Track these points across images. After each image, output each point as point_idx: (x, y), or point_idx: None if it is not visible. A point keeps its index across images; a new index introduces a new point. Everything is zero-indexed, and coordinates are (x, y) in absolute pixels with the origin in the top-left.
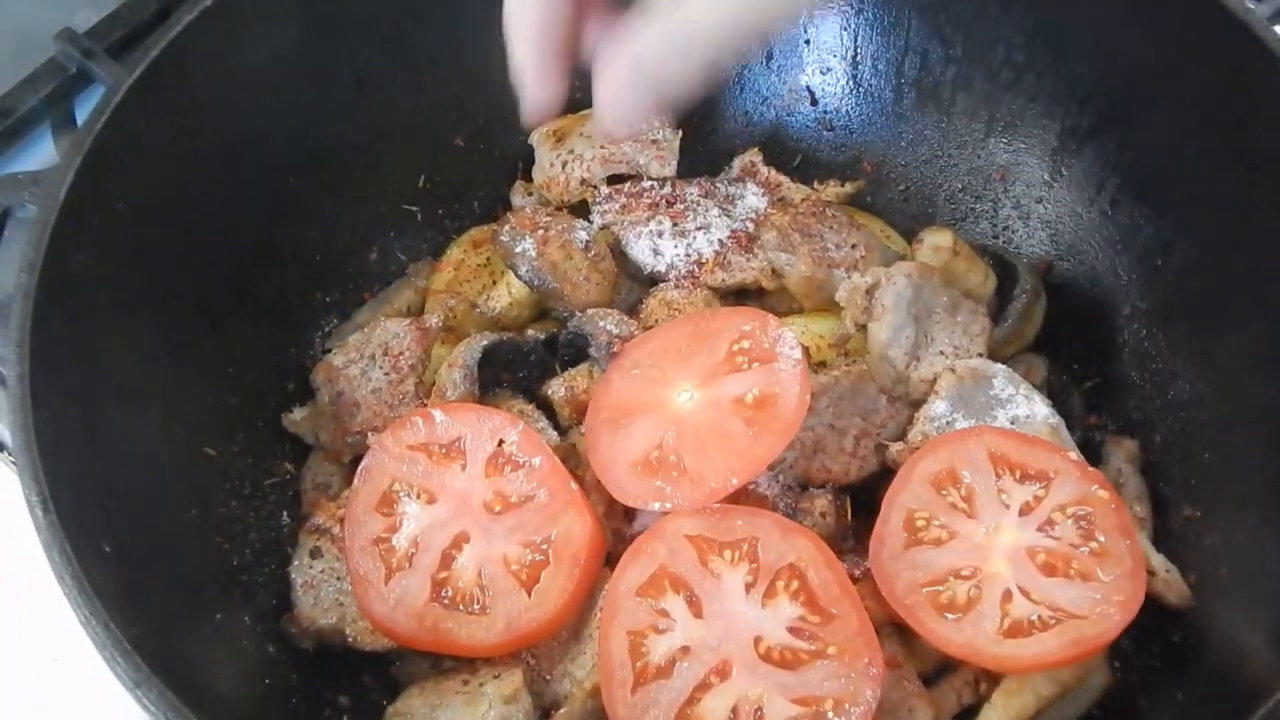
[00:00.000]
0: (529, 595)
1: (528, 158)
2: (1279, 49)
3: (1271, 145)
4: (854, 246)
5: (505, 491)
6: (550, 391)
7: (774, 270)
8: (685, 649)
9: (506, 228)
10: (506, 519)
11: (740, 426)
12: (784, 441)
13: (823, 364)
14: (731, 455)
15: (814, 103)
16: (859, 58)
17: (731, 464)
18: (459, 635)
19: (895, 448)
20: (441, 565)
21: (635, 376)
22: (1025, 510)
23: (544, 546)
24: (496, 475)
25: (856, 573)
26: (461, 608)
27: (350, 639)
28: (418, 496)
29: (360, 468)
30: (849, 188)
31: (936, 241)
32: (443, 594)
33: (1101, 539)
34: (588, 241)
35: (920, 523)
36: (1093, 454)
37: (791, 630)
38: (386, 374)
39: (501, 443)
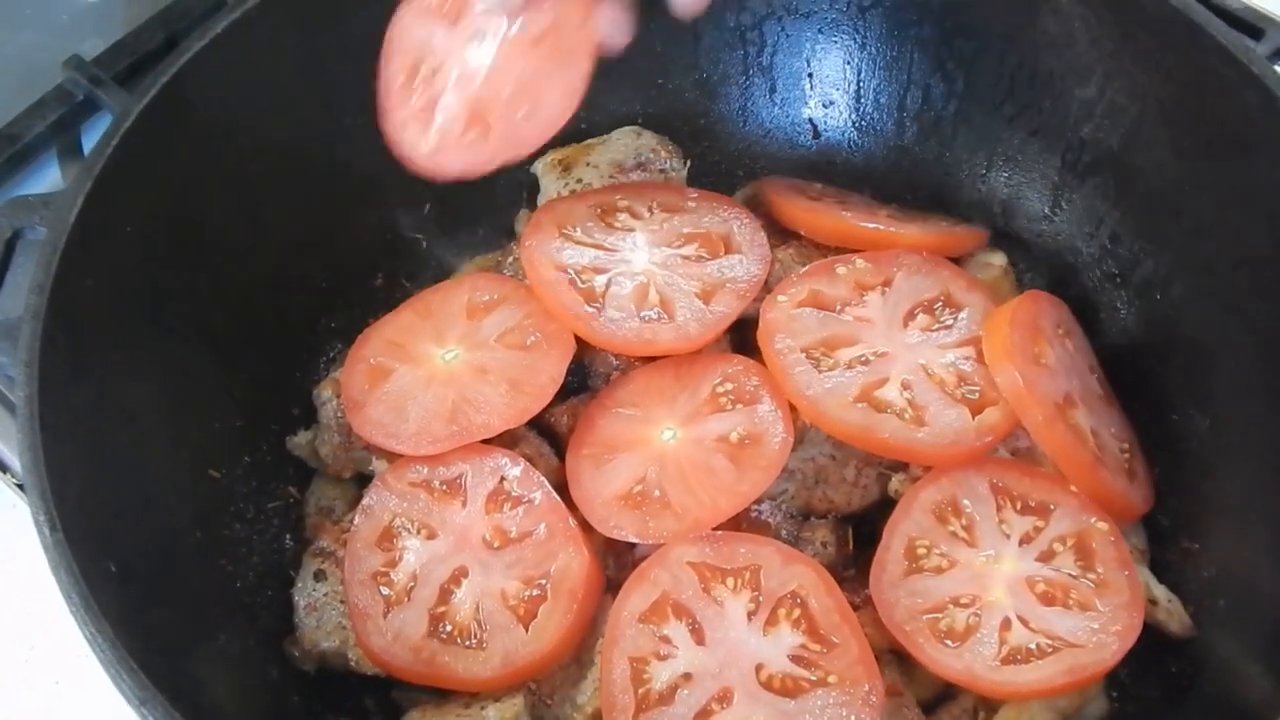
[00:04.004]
0: (526, 630)
1: (532, 186)
2: (1277, 88)
3: (1271, 182)
4: None
5: (505, 527)
6: (553, 419)
7: None
8: (687, 676)
9: (511, 258)
10: (505, 554)
11: (725, 463)
12: (769, 479)
13: None
14: (716, 491)
15: (817, 135)
16: (862, 92)
17: (716, 499)
18: (456, 669)
19: (897, 478)
20: (440, 600)
21: (617, 415)
22: (1025, 540)
23: (542, 582)
24: (496, 511)
25: (857, 600)
26: (459, 642)
27: (352, 662)
28: (418, 532)
29: (361, 505)
30: None
31: (990, 259)
32: (440, 628)
33: (1100, 570)
34: None
35: (921, 551)
36: None
37: (793, 658)
38: None
39: (502, 480)
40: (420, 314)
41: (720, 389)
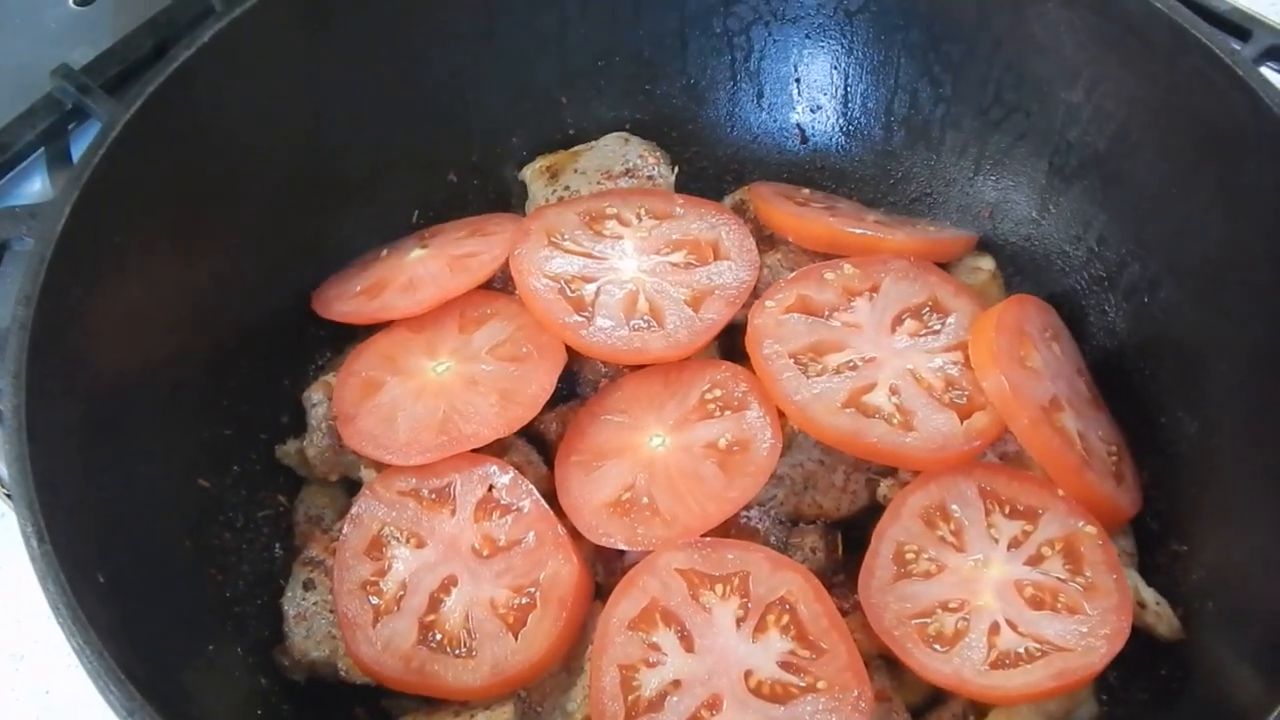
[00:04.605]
0: (515, 638)
1: (520, 192)
2: (1263, 91)
3: (1256, 183)
4: None
5: (493, 536)
6: (543, 427)
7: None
8: (676, 683)
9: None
10: (494, 563)
11: (713, 470)
12: (757, 485)
13: None
14: (705, 497)
15: (804, 140)
16: (849, 96)
17: (705, 506)
18: (445, 678)
19: (886, 483)
20: (429, 608)
21: (606, 422)
22: (1014, 544)
23: (531, 590)
24: (485, 520)
25: (846, 606)
26: (448, 651)
27: (342, 672)
28: (407, 541)
29: (350, 514)
30: None
31: (979, 264)
32: (430, 637)
33: (1089, 574)
34: None
35: (910, 556)
36: None
37: (782, 664)
38: None
39: (491, 488)
40: (413, 328)
41: (709, 395)
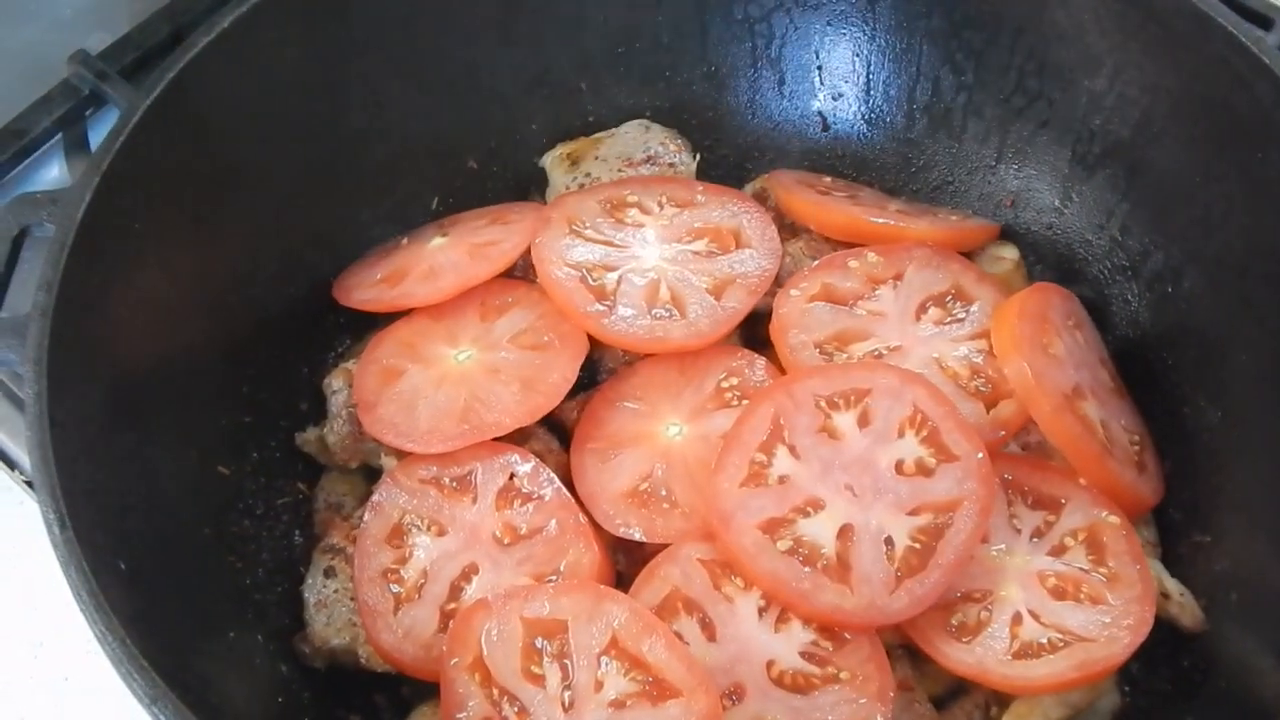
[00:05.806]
0: None
1: (539, 180)
2: None
3: (1279, 171)
4: None
5: (515, 524)
6: (564, 414)
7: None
8: None
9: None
10: (515, 551)
11: None
12: None
13: None
14: None
15: (826, 128)
16: (871, 84)
17: None
18: None
19: None
20: (450, 597)
21: (622, 409)
22: (1037, 534)
23: (552, 578)
24: (506, 508)
25: None
26: None
27: (363, 659)
28: (428, 529)
29: (371, 502)
30: None
31: (1002, 253)
32: (451, 626)
33: (1112, 564)
34: None
35: None
36: None
37: (804, 654)
38: None
39: (512, 476)
40: (433, 316)
41: (725, 384)
